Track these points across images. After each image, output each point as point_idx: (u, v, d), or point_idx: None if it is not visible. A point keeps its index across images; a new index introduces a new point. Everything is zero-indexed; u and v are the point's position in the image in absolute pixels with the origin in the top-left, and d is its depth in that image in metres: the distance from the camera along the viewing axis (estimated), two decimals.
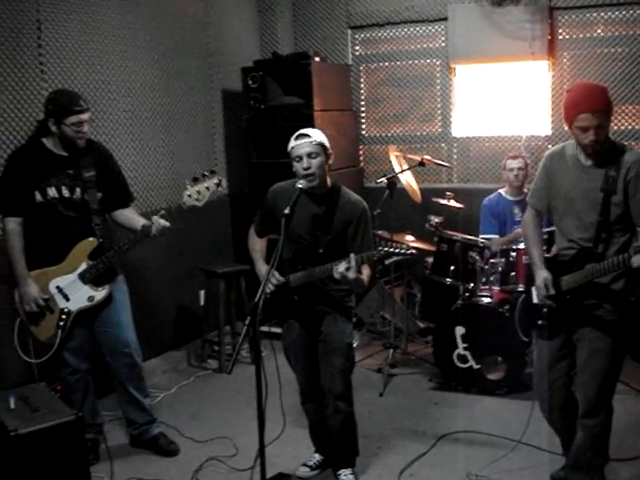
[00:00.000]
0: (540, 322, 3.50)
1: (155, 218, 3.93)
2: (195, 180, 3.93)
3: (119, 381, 4.27)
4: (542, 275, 3.40)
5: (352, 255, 3.40)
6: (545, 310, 3.45)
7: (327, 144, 3.60)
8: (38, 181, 3.93)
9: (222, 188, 3.98)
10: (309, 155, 3.52)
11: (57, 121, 3.86)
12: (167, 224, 3.94)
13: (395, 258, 3.61)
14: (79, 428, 3.27)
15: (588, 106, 3.12)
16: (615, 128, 5.96)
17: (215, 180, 3.94)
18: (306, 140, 3.54)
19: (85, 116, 3.89)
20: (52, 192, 3.94)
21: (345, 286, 3.63)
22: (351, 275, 3.39)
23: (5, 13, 4.50)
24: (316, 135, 3.57)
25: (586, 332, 3.36)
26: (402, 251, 3.35)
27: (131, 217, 4.16)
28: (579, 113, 3.13)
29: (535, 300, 3.51)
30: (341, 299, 3.76)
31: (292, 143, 3.58)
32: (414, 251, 3.38)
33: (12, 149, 4.44)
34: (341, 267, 3.40)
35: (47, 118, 3.91)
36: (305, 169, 3.51)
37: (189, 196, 3.90)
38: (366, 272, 3.59)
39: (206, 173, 3.96)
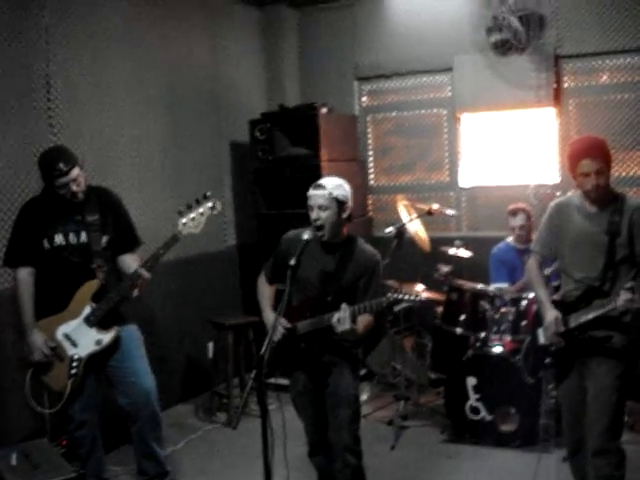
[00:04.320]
0: (548, 360, 3.65)
1: (139, 269, 3.91)
2: (189, 207, 3.92)
3: (138, 432, 4.16)
4: (552, 314, 3.54)
5: (344, 305, 3.42)
6: (553, 349, 3.59)
7: (343, 197, 3.59)
8: (46, 229, 3.96)
9: (217, 211, 3.97)
10: (319, 207, 3.54)
11: (47, 184, 3.92)
12: (146, 275, 3.89)
13: (388, 304, 3.62)
14: None
15: (588, 153, 3.41)
16: (623, 174, 5.95)
17: (209, 204, 3.94)
18: (320, 192, 3.56)
19: (66, 178, 3.85)
20: (59, 239, 3.96)
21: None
22: (341, 327, 3.41)
23: (15, 67, 4.58)
24: (332, 187, 3.56)
25: (593, 368, 3.46)
26: (386, 299, 3.42)
27: (128, 265, 4.10)
28: (580, 160, 3.40)
29: (542, 341, 3.66)
30: (349, 348, 3.72)
31: (309, 191, 3.61)
32: (391, 299, 3.43)
33: (21, 202, 4.49)
34: (334, 317, 3.43)
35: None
36: (314, 220, 3.55)
37: (184, 224, 3.89)
38: (363, 323, 3.57)
39: (199, 198, 3.95)
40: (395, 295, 3.46)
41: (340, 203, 3.57)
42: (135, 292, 3.95)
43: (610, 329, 3.42)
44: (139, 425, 4.15)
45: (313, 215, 3.56)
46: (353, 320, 3.45)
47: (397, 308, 5.41)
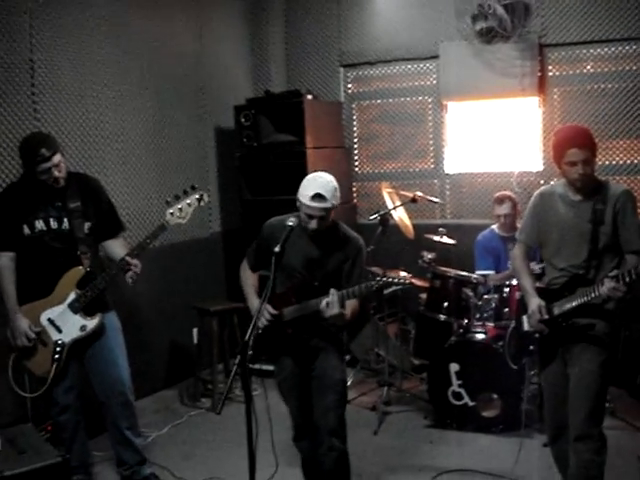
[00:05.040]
0: (532, 347, 3.69)
1: (126, 257, 3.92)
2: (176, 198, 3.95)
3: (112, 420, 4.20)
4: (535, 302, 3.56)
5: (332, 290, 3.44)
6: (537, 336, 3.63)
7: (339, 199, 3.57)
8: (26, 215, 3.94)
9: (204, 203, 4.01)
10: (321, 218, 3.51)
11: (28, 169, 3.89)
12: (132, 262, 3.91)
13: (378, 287, 3.64)
14: (65, 470, 3.22)
15: (575, 142, 3.39)
16: (607, 163, 6.00)
17: (196, 195, 3.97)
18: (322, 205, 3.47)
19: (48, 164, 3.83)
20: (40, 225, 3.95)
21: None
22: (329, 311, 3.43)
23: None
24: (331, 196, 3.50)
25: (576, 354, 3.50)
26: (375, 282, 3.43)
27: (115, 251, 4.12)
28: (567, 149, 3.39)
29: (526, 327, 3.69)
30: (335, 332, 3.74)
31: (306, 200, 3.49)
32: (381, 282, 3.46)
33: (3, 187, 4.46)
34: (323, 302, 3.45)
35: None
36: (314, 230, 3.53)
37: (172, 214, 3.92)
38: (351, 307, 3.59)
39: (187, 189, 3.97)
40: (385, 278, 3.47)
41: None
42: (129, 280, 3.94)
43: (593, 317, 3.44)
44: (112, 414, 4.17)
45: (313, 225, 3.50)
46: (342, 304, 3.47)
47: (386, 291, 5.43)
